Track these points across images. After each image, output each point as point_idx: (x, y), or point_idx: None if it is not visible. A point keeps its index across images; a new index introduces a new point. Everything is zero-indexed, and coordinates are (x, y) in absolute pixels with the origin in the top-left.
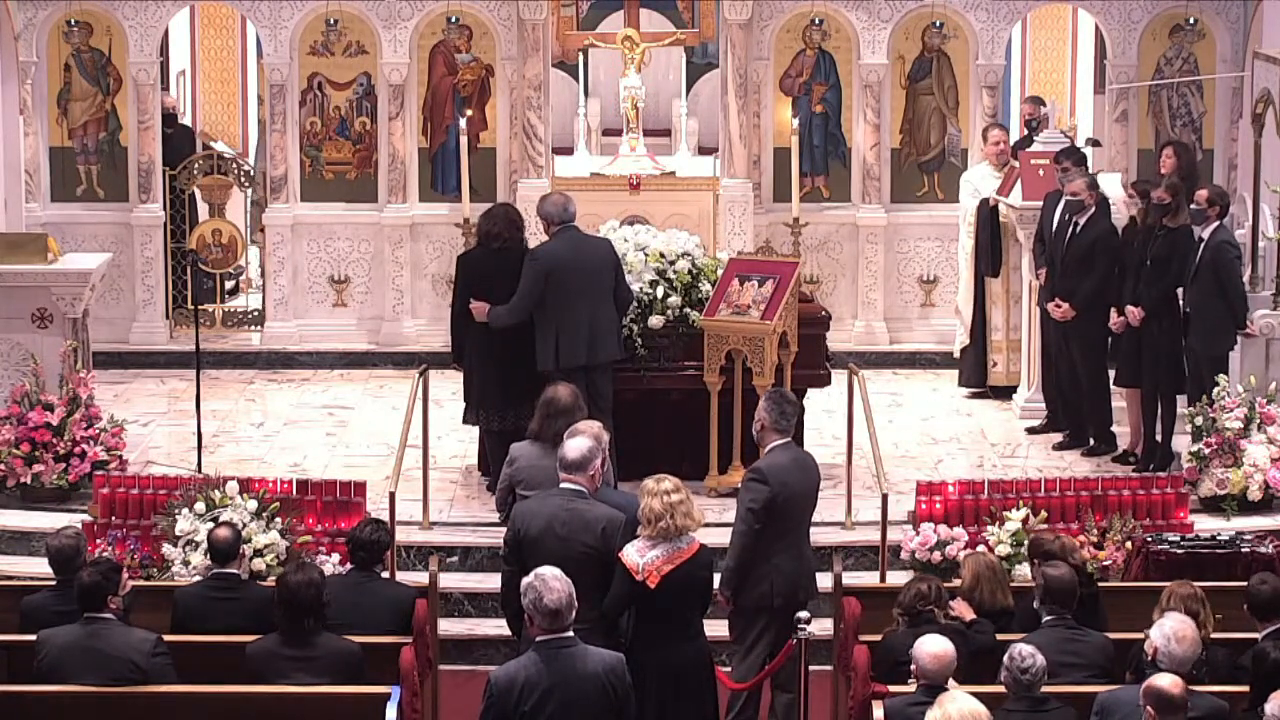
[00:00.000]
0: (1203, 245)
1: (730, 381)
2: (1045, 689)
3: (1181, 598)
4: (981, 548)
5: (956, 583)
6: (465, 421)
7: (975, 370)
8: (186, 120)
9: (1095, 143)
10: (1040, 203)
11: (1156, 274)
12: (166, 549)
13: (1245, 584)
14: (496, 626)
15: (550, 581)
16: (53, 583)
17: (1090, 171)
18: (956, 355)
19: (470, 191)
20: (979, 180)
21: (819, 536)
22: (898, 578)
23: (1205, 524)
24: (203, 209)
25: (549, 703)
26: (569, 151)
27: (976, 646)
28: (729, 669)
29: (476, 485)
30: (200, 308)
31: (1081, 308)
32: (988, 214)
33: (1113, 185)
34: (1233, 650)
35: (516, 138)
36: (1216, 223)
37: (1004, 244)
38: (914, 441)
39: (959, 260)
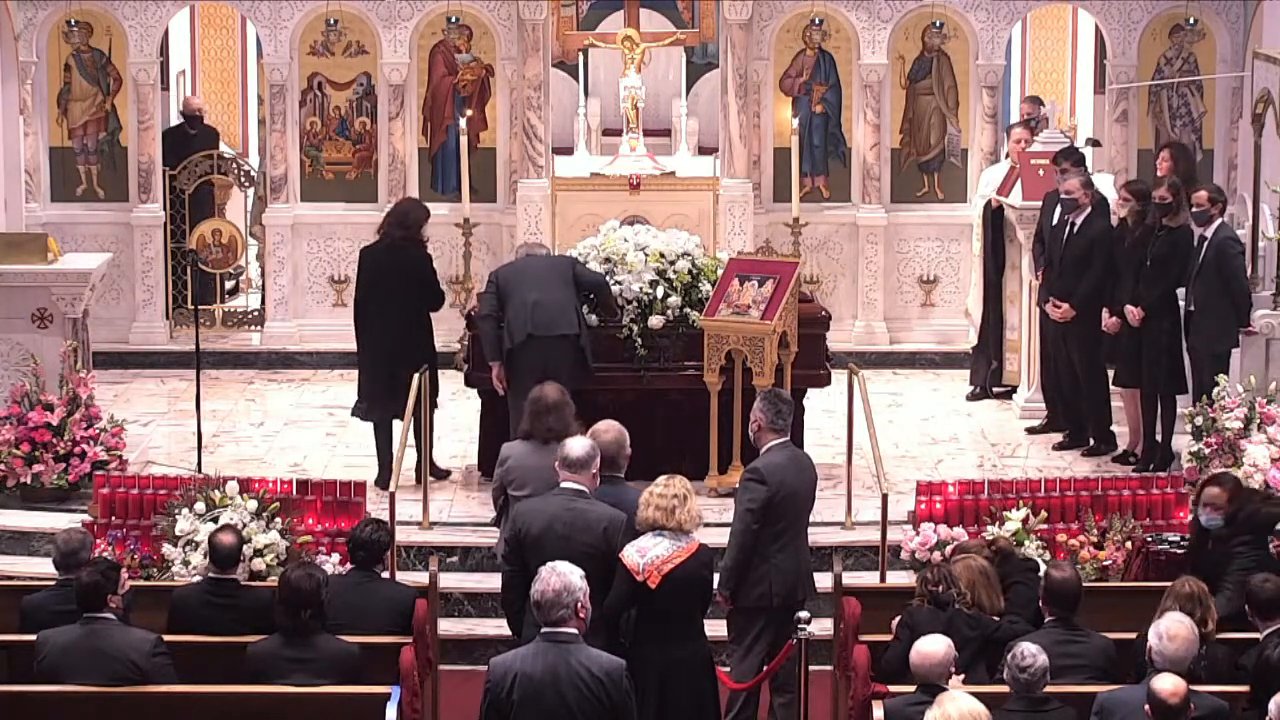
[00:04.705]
0: (1205, 243)
1: (730, 381)
2: (1045, 689)
3: (1181, 597)
4: None
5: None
6: (354, 414)
7: (984, 373)
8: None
9: (1095, 143)
10: (1040, 203)
11: (1157, 274)
12: (166, 549)
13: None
14: (496, 626)
15: (545, 574)
16: (52, 582)
17: (1088, 171)
18: (969, 351)
19: (471, 192)
20: (999, 179)
21: (819, 536)
22: (898, 578)
23: None
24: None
25: (536, 694)
26: (569, 151)
27: (1003, 636)
28: (728, 669)
29: (477, 485)
30: (200, 308)
31: (1078, 308)
32: (990, 215)
33: (1106, 186)
34: (1233, 650)
35: (516, 138)
36: (1220, 220)
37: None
38: (914, 441)
39: (973, 259)
